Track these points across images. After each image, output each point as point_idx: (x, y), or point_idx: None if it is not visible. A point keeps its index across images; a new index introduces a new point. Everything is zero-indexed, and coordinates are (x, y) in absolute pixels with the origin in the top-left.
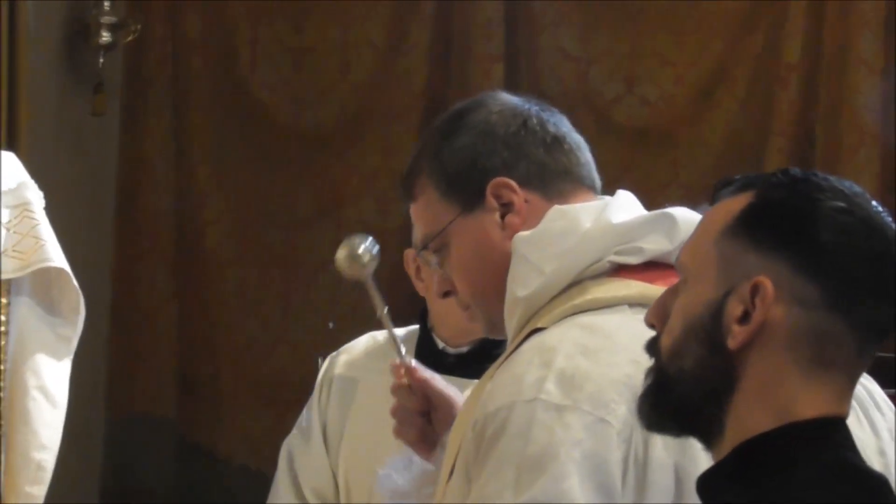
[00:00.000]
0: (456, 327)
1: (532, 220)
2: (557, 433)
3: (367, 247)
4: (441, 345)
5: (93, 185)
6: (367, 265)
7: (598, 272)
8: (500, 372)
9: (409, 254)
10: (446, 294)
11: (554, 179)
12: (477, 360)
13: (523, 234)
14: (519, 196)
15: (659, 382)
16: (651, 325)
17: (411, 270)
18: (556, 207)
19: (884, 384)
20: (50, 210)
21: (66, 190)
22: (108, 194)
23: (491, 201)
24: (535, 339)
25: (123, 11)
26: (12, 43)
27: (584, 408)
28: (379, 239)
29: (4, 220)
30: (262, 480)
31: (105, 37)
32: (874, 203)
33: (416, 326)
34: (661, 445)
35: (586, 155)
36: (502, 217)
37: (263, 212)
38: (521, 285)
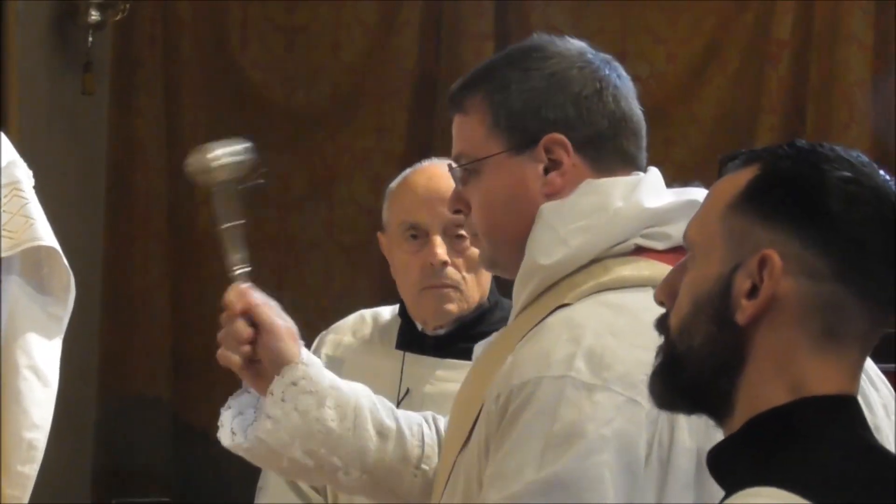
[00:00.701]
0: (423, 315)
1: (573, 186)
2: (586, 411)
3: (220, 153)
4: (420, 326)
5: (83, 165)
6: (215, 171)
7: (621, 252)
8: (525, 346)
9: (382, 237)
10: (457, 211)
11: (608, 154)
12: (454, 341)
13: (552, 203)
14: (570, 158)
15: (669, 360)
16: (660, 303)
17: (385, 250)
18: (589, 181)
19: (884, 360)
20: (40, 190)
21: (56, 170)
22: (98, 174)
23: (540, 153)
24: (562, 315)
25: None
26: (1, 22)
27: (614, 388)
28: (372, 219)
29: None
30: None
31: (94, 16)
32: (882, 172)
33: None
34: (686, 429)
35: (643, 137)
36: (546, 171)
37: (255, 191)
38: (544, 254)
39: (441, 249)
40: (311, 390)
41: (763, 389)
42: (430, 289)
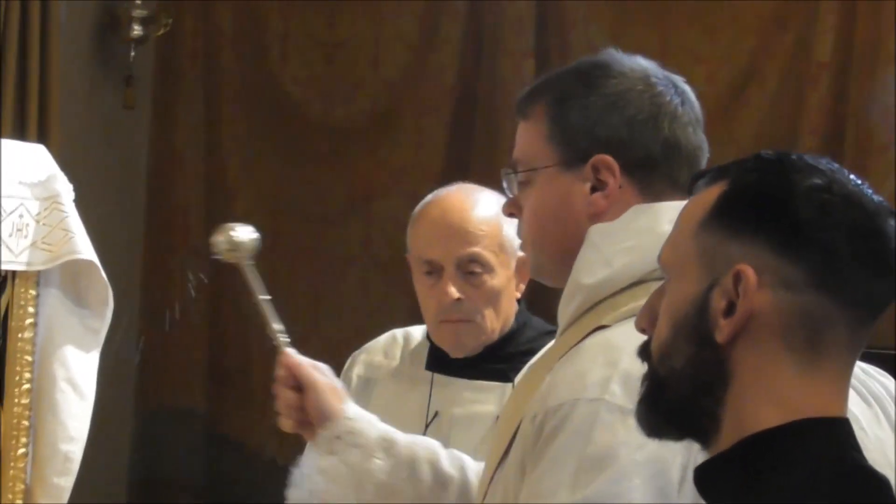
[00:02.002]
0: (442, 346)
1: (618, 208)
2: (620, 435)
3: (242, 231)
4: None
5: (123, 178)
6: (244, 247)
7: (664, 276)
8: (562, 367)
9: (409, 259)
10: (511, 215)
11: (656, 180)
12: (483, 362)
13: (601, 224)
14: (615, 181)
15: (653, 386)
16: (642, 330)
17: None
18: (639, 206)
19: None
20: (81, 203)
21: (97, 183)
22: (138, 187)
23: (588, 172)
24: (600, 337)
25: (155, 5)
26: (44, 35)
27: None
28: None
29: (34, 212)
30: (290, 474)
31: (136, 30)
32: (853, 177)
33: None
34: None
35: (700, 166)
36: (592, 191)
37: (294, 206)
38: (587, 273)
39: (453, 287)
40: (357, 444)
41: (749, 408)
42: (446, 323)
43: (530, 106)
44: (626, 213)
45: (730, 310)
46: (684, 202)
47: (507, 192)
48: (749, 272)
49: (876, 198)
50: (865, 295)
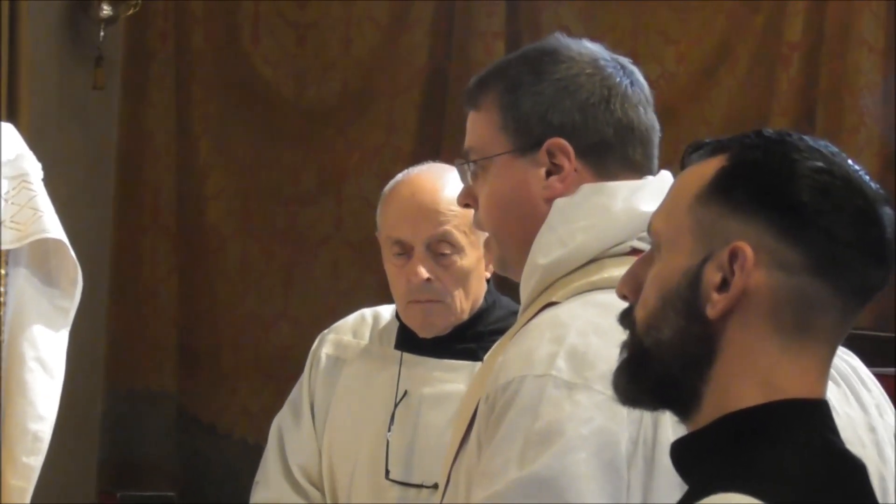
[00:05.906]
0: (411, 326)
1: (574, 190)
2: (566, 409)
3: None
4: None
5: (93, 159)
6: None
7: (617, 254)
8: (512, 345)
9: (377, 236)
10: (466, 206)
11: (611, 162)
12: (453, 342)
13: (560, 200)
14: (571, 164)
15: (635, 355)
16: (623, 297)
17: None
18: (593, 185)
19: (883, 364)
20: (50, 183)
21: (66, 163)
22: (108, 167)
23: (543, 157)
24: (548, 314)
25: None
26: (13, 14)
27: (595, 387)
28: None
29: (2, 190)
30: (261, 455)
31: (106, 10)
32: (851, 162)
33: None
34: (671, 427)
35: (652, 146)
36: (547, 175)
37: (265, 187)
38: (543, 253)
39: (423, 267)
40: None
41: (732, 385)
42: (416, 303)
43: (481, 96)
44: (580, 193)
45: (723, 285)
46: (638, 181)
47: (462, 183)
48: (748, 250)
49: (874, 184)
50: (860, 282)
